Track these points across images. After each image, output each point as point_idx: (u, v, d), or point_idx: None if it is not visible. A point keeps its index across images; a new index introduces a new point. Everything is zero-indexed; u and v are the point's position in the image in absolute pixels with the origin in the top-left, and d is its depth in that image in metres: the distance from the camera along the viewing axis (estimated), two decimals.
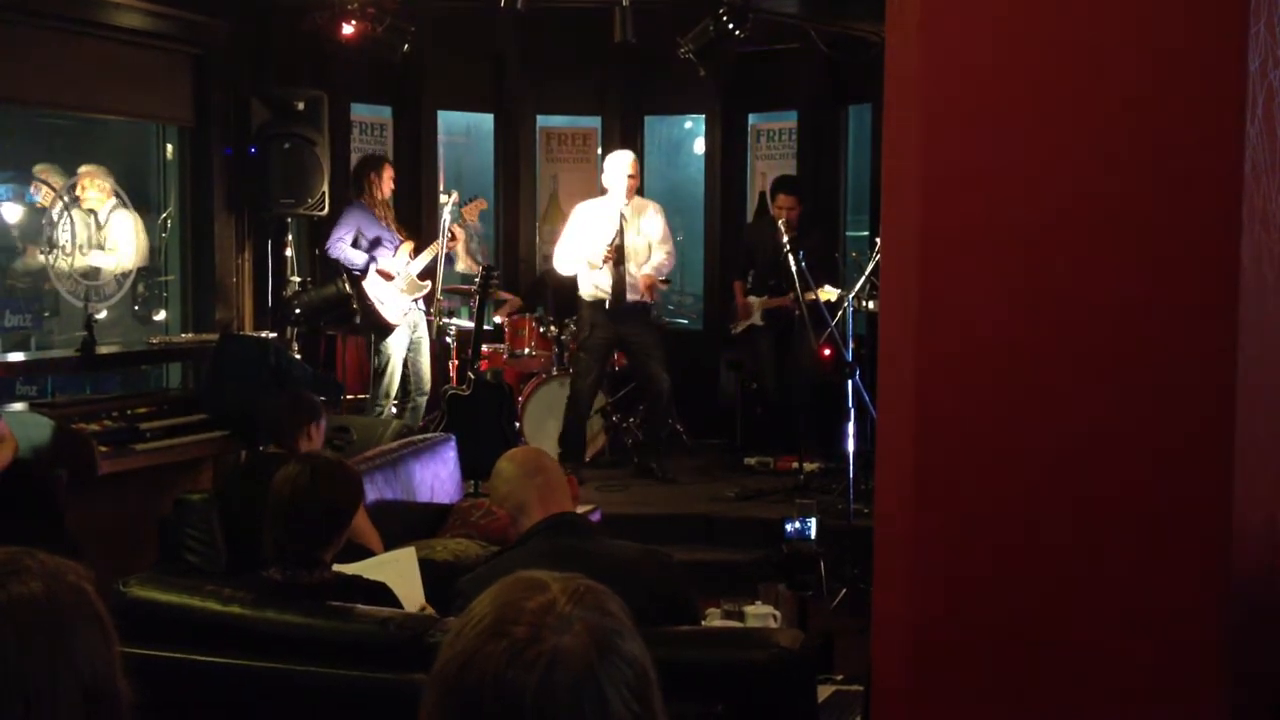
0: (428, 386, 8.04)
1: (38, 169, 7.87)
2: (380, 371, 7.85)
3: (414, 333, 7.95)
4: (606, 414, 8.05)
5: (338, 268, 7.86)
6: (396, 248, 7.80)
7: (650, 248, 7.62)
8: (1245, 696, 2.36)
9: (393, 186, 7.99)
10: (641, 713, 1.43)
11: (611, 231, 7.48)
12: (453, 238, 7.98)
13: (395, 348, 7.84)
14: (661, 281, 7.96)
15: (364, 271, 7.72)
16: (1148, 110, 2.30)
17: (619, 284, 7.49)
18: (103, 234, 7.76)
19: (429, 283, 7.91)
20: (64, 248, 7.64)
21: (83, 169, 7.72)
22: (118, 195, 7.81)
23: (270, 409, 5.09)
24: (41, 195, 7.76)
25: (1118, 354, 2.32)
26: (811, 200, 8.40)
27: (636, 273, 7.55)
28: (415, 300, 7.90)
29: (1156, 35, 2.29)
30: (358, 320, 7.83)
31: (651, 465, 7.78)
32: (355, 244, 7.74)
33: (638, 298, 7.59)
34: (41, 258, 7.60)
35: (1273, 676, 2.49)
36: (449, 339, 8.30)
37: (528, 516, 3.28)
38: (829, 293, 7.28)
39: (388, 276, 7.74)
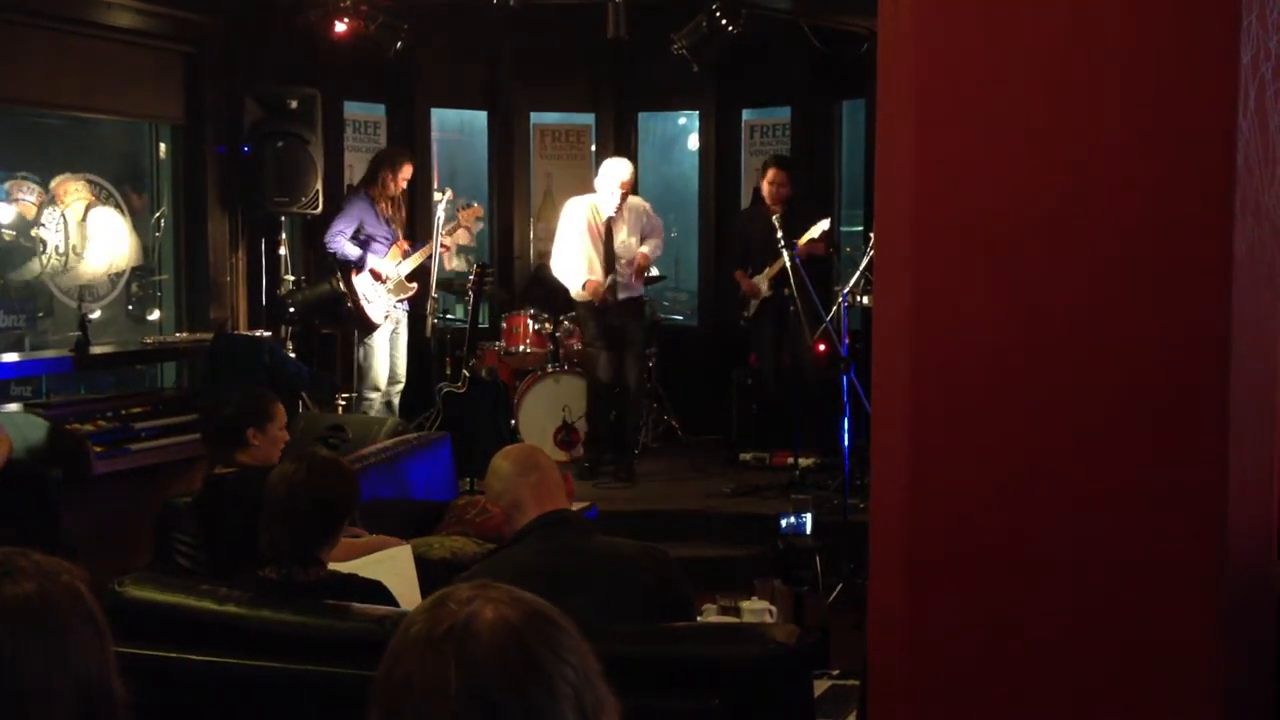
0: (402, 377, 8.06)
1: (9, 185, 7.86)
2: (364, 367, 7.86)
3: (395, 328, 7.95)
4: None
5: (331, 265, 7.85)
6: (390, 247, 7.79)
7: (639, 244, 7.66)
8: (1242, 689, 2.37)
9: (404, 185, 7.97)
10: (577, 680, 1.37)
11: (599, 234, 7.49)
12: (445, 248, 7.96)
13: (378, 343, 7.85)
14: (649, 275, 8.01)
15: (358, 267, 7.71)
16: (1140, 103, 2.30)
17: (612, 286, 7.51)
18: (87, 236, 7.76)
19: (415, 285, 7.90)
20: (56, 248, 7.64)
21: (55, 181, 7.72)
22: (98, 194, 7.81)
23: (215, 413, 4.70)
24: (23, 205, 7.76)
25: (1112, 346, 2.32)
26: (807, 192, 8.39)
27: (628, 272, 7.57)
28: (401, 300, 7.89)
29: (1149, 28, 2.29)
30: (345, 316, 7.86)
31: (616, 464, 7.74)
32: (356, 236, 7.74)
33: (630, 294, 7.62)
34: (35, 262, 7.61)
35: (1269, 670, 2.50)
36: (446, 336, 8.30)
37: (523, 514, 3.28)
38: (817, 229, 7.29)
39: (380, 278, 7.73)
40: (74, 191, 7.74)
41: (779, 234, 7.10)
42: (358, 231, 7.74)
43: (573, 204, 7.77)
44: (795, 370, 7.89)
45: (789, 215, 7.51)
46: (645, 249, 7.66)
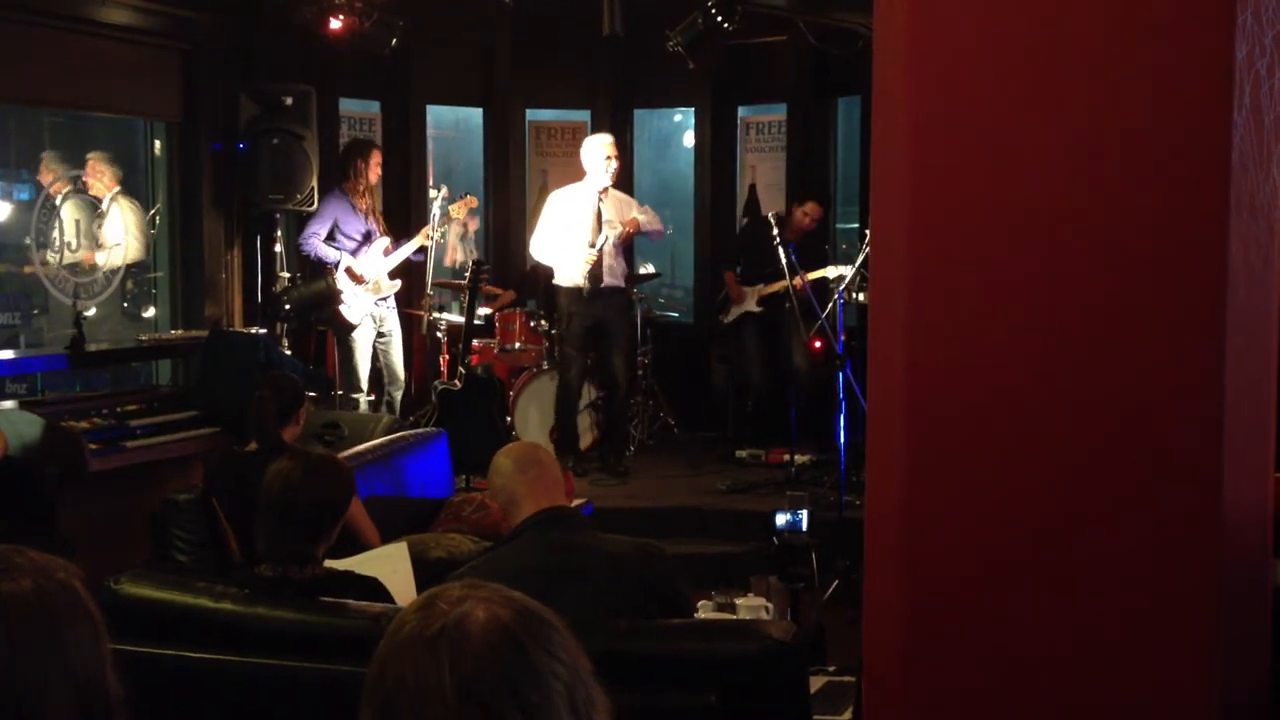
0: (401, 379, 8.03)
1: (44, 155, 7.91)
2: (346, 366, 7.84)
3: (380, 327, 7.91)
4: (597, 408, 8.05)
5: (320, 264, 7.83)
6: (370, 244, 7.76)
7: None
8: (1237, 687, 2.37)
9: (379, 173, 7.95)
10: (570, 679, 1.38)
11: (588, 220, 7.47)
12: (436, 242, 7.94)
13: (360, 341, 7.80)
14: (643, 273, 7.99)
15: (335, 269, 7.67)
16: (1135, 100, 2.30)
17: (596, 268, 7.49)
18: (99, 225, 7.77)
19: (398, 282, 7.86)
20: (54, 243, 7.64)
21: (91, 155, 7.75)
22: (121, 185, 7.84)
23: (258, 394, 4.86)
24: (48, 184, 7.79)
25: (1107, 343, 2.33)
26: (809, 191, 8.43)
27: (614, 258, 7.58)
28: (383, 298, 7.85)
29: (1143, 25, 2.30)
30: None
31: (609, 461, 7.75)
32: (331, 237, 7.70)
33: (615, 283, 7.61)
34: (33, 256, 7.61)
35: (1269, 669, 2.50)
36: (440, 334, 8.29)
37: (519, 510, 3.28)
38: (829, 271, 7.29)
39: (357, 279, 7.68)
40: (104, 175, 7.76)
41: (774, 229, 7.10)
42: (333, 232, 7.70)
43: (559, 192, 7.78)
44: (788, 367, 7.91)
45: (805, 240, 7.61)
46: (641, 217, 7.65)
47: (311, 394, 7.42)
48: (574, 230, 7.50)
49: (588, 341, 7.67)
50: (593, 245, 7.44)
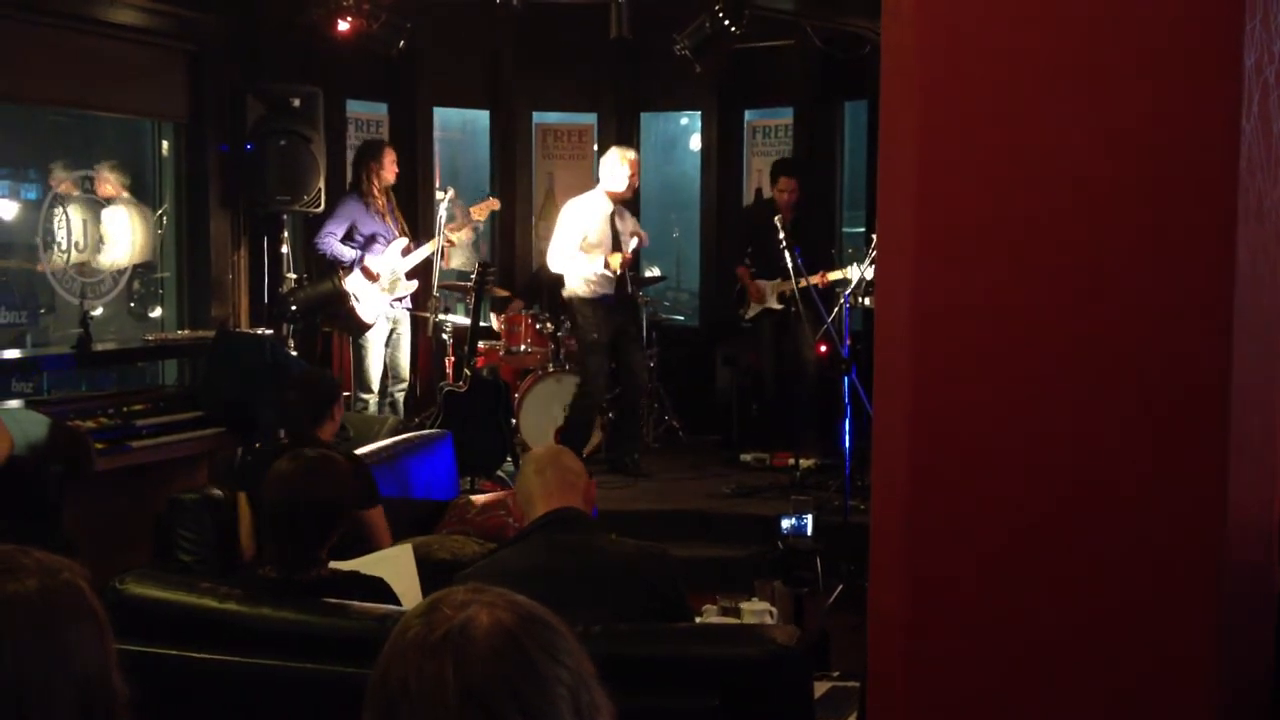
0: (406, 377, 8.04)
1: (54, 165, 7.97)
2: (359, 366, 7.84)
3: (395, 328, 7.92)
4: (603, 410, 8.05)
5: (333, 263, 7.84)
6: (388, 245, 7.77)
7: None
8: (1237, 693, 2.37)
9: (396, 170, 7.95)
10: (573, 682, 1.39)
11: (606, 229, 7.51)
12: (450, 243, 7.97)
13: (374, 342, 7.81)
14: (649, 275, 8.07)
15: (350, 267, 7.68)
16: (1144, 107, 2.30)
17: (621, 279, 7.54)
18: (100, 229, 7.79)
19: (414, 282, 7.87)
20: (60, 244, 7.66)
21: (100, 165, 7.79)
22: (128, 193, 7.87)
23: (288, 395, 4.84)
24: (57, 185, 7.82)
25: (1113, 348, 2.32)
26: (809, 191, 8.40)
27: (632, 250, 7.65)
28: (399, 299, 7.86)
29: (1152, 31, 2.30)
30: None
31: (625, 460, 7.78)
32: (349, 237, 7.71)
33: (628, 291, 7.66)
34: (40, 255, 7.64)
35: (1269, 670, 2.50)
36: (445, 336, 8.29)
37: (533, 510, 3.29)
38: (850, 271, 7.31)
39: (371, 276, 7.69)
40: (112, 183, 7.79)
41: (780, 235, 7.10)
42: (351, 233, 7.71)
43: (574, 202, 7.78)
44: (796, 371, 7.90)
45: (796, 220, 7.56)
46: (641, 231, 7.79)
47: None
48: (593, 239, 7.53)
49: (612, 351, 7.69)
50: (620, 250, 7.49)
